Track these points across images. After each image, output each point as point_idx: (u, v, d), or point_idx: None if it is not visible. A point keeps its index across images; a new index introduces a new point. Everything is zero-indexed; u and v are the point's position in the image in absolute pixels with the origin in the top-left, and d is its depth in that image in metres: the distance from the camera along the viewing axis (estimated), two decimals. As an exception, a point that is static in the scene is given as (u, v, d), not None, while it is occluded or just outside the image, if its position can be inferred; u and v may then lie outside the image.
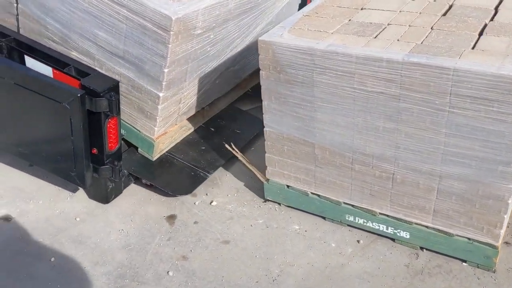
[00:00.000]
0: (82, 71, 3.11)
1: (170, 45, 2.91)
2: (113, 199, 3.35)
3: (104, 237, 3.07)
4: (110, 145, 3.08)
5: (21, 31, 3.47)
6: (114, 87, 3.02)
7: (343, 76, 2.67)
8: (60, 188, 3.45)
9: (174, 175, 3.44)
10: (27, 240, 3.06)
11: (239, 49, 3.55)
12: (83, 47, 3.25)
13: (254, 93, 3.87)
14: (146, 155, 3.46)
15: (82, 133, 2.97)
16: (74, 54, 3.30)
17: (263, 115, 3.03)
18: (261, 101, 3.00)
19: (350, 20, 2.99)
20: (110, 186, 3.28)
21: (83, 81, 2.98)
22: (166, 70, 3.02)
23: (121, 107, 3.32)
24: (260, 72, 2.90)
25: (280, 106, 2.93)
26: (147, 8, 2.87)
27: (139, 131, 3.39)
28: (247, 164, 3.40)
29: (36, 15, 3.34)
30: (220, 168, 3.59)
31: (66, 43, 3.30)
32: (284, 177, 3.16)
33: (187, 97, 3.40)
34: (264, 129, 3.07)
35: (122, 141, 3.36)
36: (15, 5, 3.40)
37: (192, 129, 3.69)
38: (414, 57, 2.49)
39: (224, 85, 3.76)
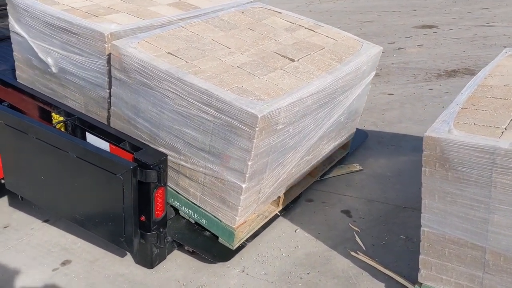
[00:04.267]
0: (136, 146, 3.45)
1: (254, 140, 3.11)
2: (157, 264, 3.56)
3: None
4: (157, 213, 3.34)
5: (112, 129, 3.82)
6: (163, 160, 3.31)
7: None
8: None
9: (214, 243, 3.60)
10: None
11: (313, 140, 3.73)
12: (171, 144, 3.50)
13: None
14: (227, 244, 3.58)
15: (132, 202, 3.23)
16: (162, 150, 3.56)
17: (422, 214, 2.91)
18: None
19: None
20: (155, 252, 3.50)
21: (136, 154, 3.31)
22: (250, 163, 3.20)
23: (204, 197, 3.53)
24: (423, 169, 2.79)
25: (445, 206, 2.81)
26: (234, 107, 3.10)
27: (220, 220, 3.53)
28: (385, 270, 3.47)
29: (127, 116, 3.66)
30: (351, 264, 3.61)
31: (154, 140, 3.57)
32: (442, 282, 2.98)
33: (266, 187, 3.55)
34: (422, 229, 2.94)
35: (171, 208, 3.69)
36: (108, 100, 3.74)
37: (268, 217, 3.82)
38: None
39: (297, 174, 3.91)
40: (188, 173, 3.52)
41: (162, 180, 3.27)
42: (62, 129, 3.76)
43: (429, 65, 7.73)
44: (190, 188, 3.56)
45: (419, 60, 7.99)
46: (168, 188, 3.66)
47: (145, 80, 3.42)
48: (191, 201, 3.62)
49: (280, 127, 3.26)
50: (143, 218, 3.34)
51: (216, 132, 3.25)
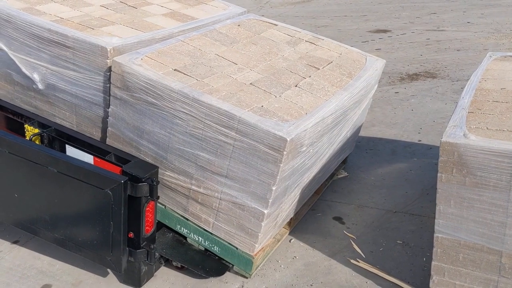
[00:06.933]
0: (122, 158, 3.23)
1: (281, 165, 2.94)
2: (145, 283, 3.35)
3: None
4: (146, 228, 3.15)
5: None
6: (154, 172, 3.13)
7: None
8: None
9: (204, 257, 3.43)
10: None
11: (324, 158, 3.61)
12: (181, 167, 3.24)
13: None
14: (243, 273, 3.38)
15: (121, 218, 3.02)
16: (168, 174, 3.29)
17: (436, 220, 2.89)
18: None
19: None
20: (144, 270, 3.29)
21: (125, 167, 3.09)
22: (274, 188, 3.02)
23: (219, 224, 3.31)
24: (439, 175, 2.79)
25: (461, 211, 2.81)
26: (259, 130, 2.90)
27: (236, 248, 3.32)
28: (389, 277, 3.39)
29: (128, 137, 3.35)
30: (353, 273, 3.51)
31: (160, 163, 3.29)
32: None
33: (283, 210, 3.39)
34: (435, 235, 2.92)
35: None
36: (106, 119, 3.43)
37: (281, 241, 3.65)
38: None
39: (307, 193, 3.78)
40: (200, 199, 3.27)
41: (154, 193, 3.08)
42: (37, 142, 3.43)
43: (391, 69, 7.86)
44: (202, 214, 3.32)
45: (380, 65, 8.11)
46: (175, 214, 3.43)
47: (153, 100, 3.14)
48: (202, 228, 3.37)
49: (304, 148, 3.11)
50: (131, 234, 3.13)
51: (236, 155, 3.04)
